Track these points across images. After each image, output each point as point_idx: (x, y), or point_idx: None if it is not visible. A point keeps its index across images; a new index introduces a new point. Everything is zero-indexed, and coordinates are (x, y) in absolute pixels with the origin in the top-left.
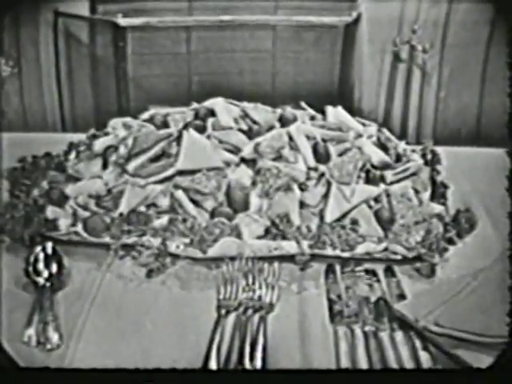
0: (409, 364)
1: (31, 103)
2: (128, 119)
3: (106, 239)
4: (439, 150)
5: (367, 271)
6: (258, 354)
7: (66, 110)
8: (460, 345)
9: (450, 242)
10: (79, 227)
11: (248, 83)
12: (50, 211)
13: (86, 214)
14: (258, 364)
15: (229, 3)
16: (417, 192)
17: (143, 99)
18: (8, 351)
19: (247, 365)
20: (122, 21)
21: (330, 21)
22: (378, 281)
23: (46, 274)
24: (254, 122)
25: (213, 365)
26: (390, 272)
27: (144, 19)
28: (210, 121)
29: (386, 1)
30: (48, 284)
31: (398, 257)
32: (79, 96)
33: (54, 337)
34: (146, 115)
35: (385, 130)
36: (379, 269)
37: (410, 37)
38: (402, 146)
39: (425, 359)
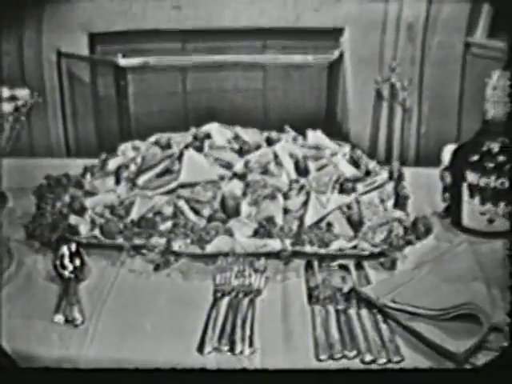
0: (371, 333)
1: (38, 139)
2: (136, 142)
3: (120, 241)
4: (404, 169)
5: (340, 266)
6: (247, 327)
7: (71, 145)
8: (413, 318)
9: (410, 243)
10: (97, 232)
11: (240, 120)
12: (73, 219)
13: (103, 220)
14: (248, 335)
15: (220, 43)
16: (382, 201)
17: (144, 135)
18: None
19: (238, 336)
20: (122, 61)
21: (314, 59)
22: (350, 274)
23: (70, 267)
24: (245, 143)
25: (209, 337)
26: (359, 266)
27: (142, 59)
28: (207, 142)
29: (367, 36)
30: (72, 276)
31: (366, 253)
32: (83, 130)
33: (79, 316)
34: (152, 139)
35: (357, 150)
36: (350, 264)
37: (390, 75)
38: (371, 164)
39: (384, 329)
